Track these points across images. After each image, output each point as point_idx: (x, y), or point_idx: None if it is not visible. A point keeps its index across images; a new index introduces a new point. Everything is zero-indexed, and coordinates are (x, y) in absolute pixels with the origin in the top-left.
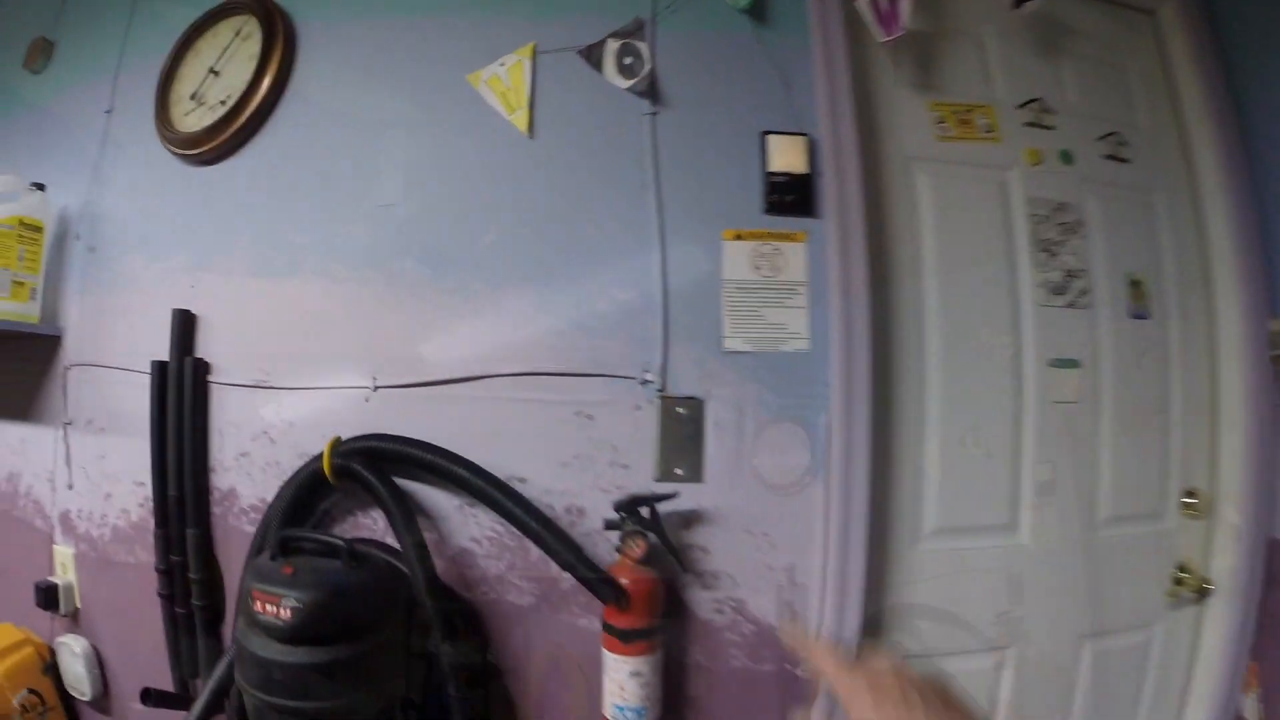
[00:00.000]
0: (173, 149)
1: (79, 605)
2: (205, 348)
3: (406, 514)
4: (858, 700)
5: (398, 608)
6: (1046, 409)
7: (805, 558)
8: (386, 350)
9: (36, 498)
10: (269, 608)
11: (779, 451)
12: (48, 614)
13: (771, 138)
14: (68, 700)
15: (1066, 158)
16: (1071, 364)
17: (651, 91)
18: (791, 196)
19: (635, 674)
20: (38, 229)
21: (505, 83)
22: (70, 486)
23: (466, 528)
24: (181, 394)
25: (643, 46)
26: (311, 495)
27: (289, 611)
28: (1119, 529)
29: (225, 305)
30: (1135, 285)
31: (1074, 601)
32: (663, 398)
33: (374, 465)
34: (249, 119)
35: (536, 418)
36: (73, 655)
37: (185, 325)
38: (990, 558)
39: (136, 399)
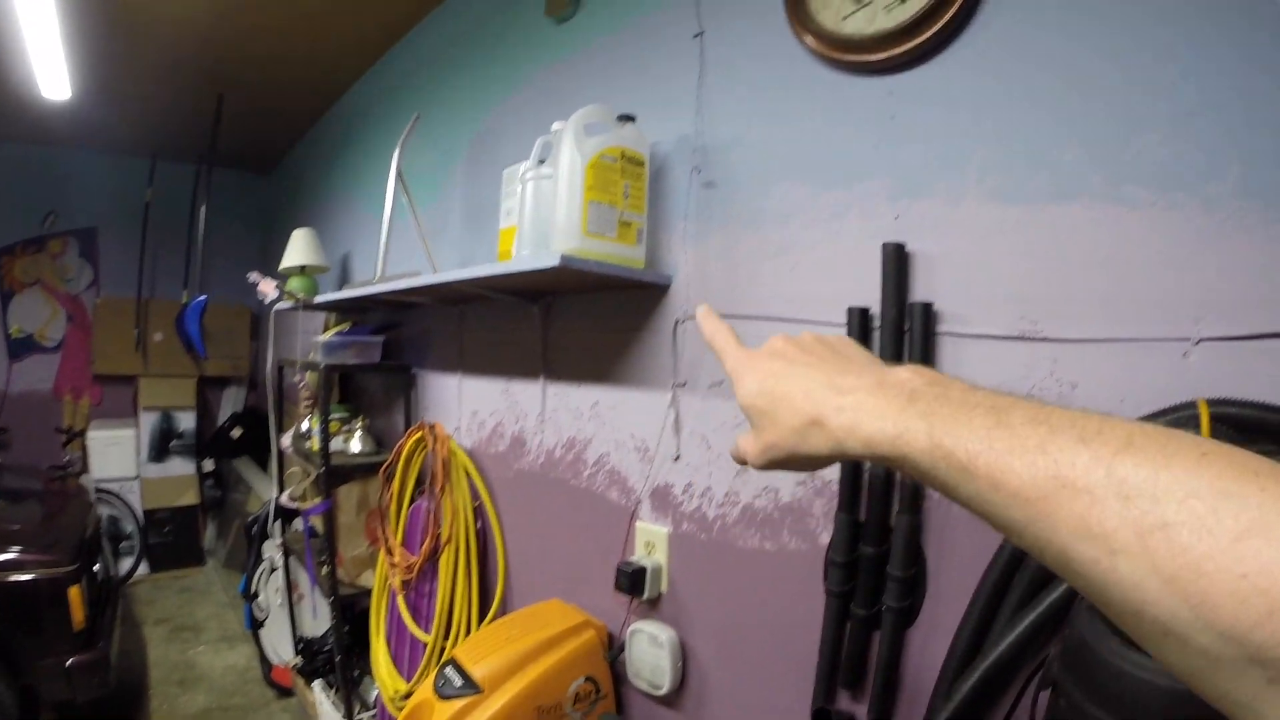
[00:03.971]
0: (830, 58)
1: (664, 590)
2: (928, 291)
3: None
4: (740, 366)
5: None
6: None
7: None
8: (1209, 293)
9: (614, 468)
10: None
11: None
12: (620, 596)
13: None
14: (617, 689)
15: None
16: None
17: None
18: None
19: None
20: (640, 163)
21: None
22: (677, 458)
23: None
24: (902, 346)
25: None
26: None
27: None
28: None
29: (955, 240)
30: None
31: None
32: None
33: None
34: (952, 17)
35: None
36: (654, 645)
37: (901, 263)
38: None
39: None
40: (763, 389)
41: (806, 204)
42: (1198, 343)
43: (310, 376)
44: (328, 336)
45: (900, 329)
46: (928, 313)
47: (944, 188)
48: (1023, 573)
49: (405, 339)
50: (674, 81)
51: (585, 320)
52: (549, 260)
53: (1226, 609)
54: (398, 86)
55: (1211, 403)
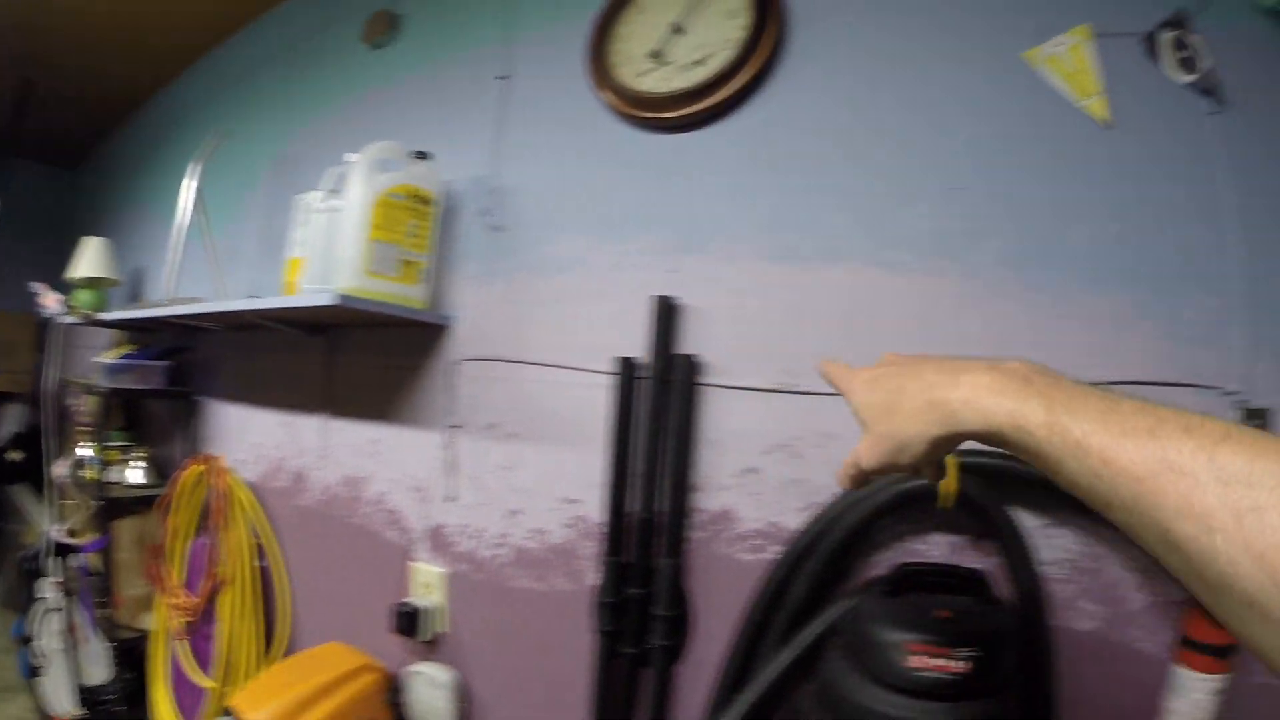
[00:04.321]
0: (623, 114)
1: (443, 631)
2: (695, 344)
3: (1028, 547)
4: (855, 383)
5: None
6: None
7: None
8: (962, 353)
9: (393, 507)
10: (936, 661)
11: None
12: (397, 638)
13: None
14: None
15: None
16: None
17: (1211, 89)
18: None
19: (1217, 692)
20: (429, 202)
21: (1068, 64)
22: (453, 499)
23: (1047, 549)
24: (663, 398)
25: (1195, 39)
26: (878, 519)
27: (964, 664)
28: None
29: (723, 295)
30: None
31: None
32: (1246, 410)
33: (988, 488)
34: (745, 84)
35: None
36: (433, 686)
37: (669, 316)
38: None
39: (567, 402)
40: (878, 386)
41: (588, 254)
42: None
43: (90, 400)
44: (111, 357)
45: (665, 380)
46: (690, 364)
47: (719, 245)
48: (780, 611)
49: (193, 365)
50: (475, 122)
51: (368, 356)
52: (327, 298)
53: None
54: (212, 94)
55: (961, 453)
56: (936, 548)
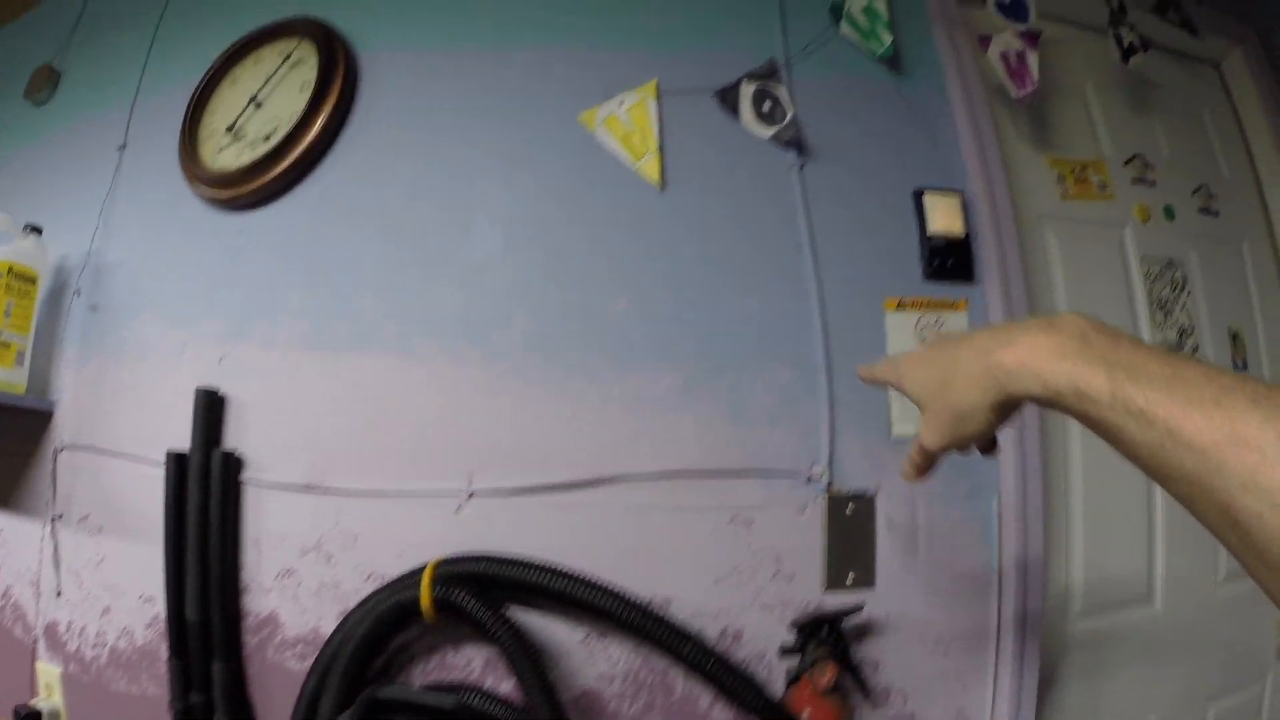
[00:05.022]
0: (202, 191)
1: None
2: (238, 437)
3: (532, 657)
4: (903, 366)
5: None
6: None
7: (977, 658)
8: (485, 446)
9: (18, 602)
10: None
11: (951, 546)
12: None
13: (927, 197)
14: None
15: (1169, 213)
16: None
17: (796, 142)
18: (952, 260)
19: None
20: (31, 280)
21: (627, 124)
22: (59, 594)
23: (593, 664)
24: (206, 495)
25: (781, 91)
26: (391, 630)
27: None
28: (1234, 586)
29: (265, 385)
30: (1235, 338)
31: (1200, 665)
32: (831, 496)
33: (483, 594)
34: (300, 155)
35: (682, 527)
36: None
37: (212, 409)
38: (1129, 631)
39: (146, 495)
40: (930, 362)
41: (158, 339)
42: (470, 496)
43: None
44: None
45: (207, 476)
46: (228, 461)
47: (261, 331)
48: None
49: None
50: (93, 192)
51: None
52: None
53: None
54: None
55: (444, 561)
56: (473, 661)
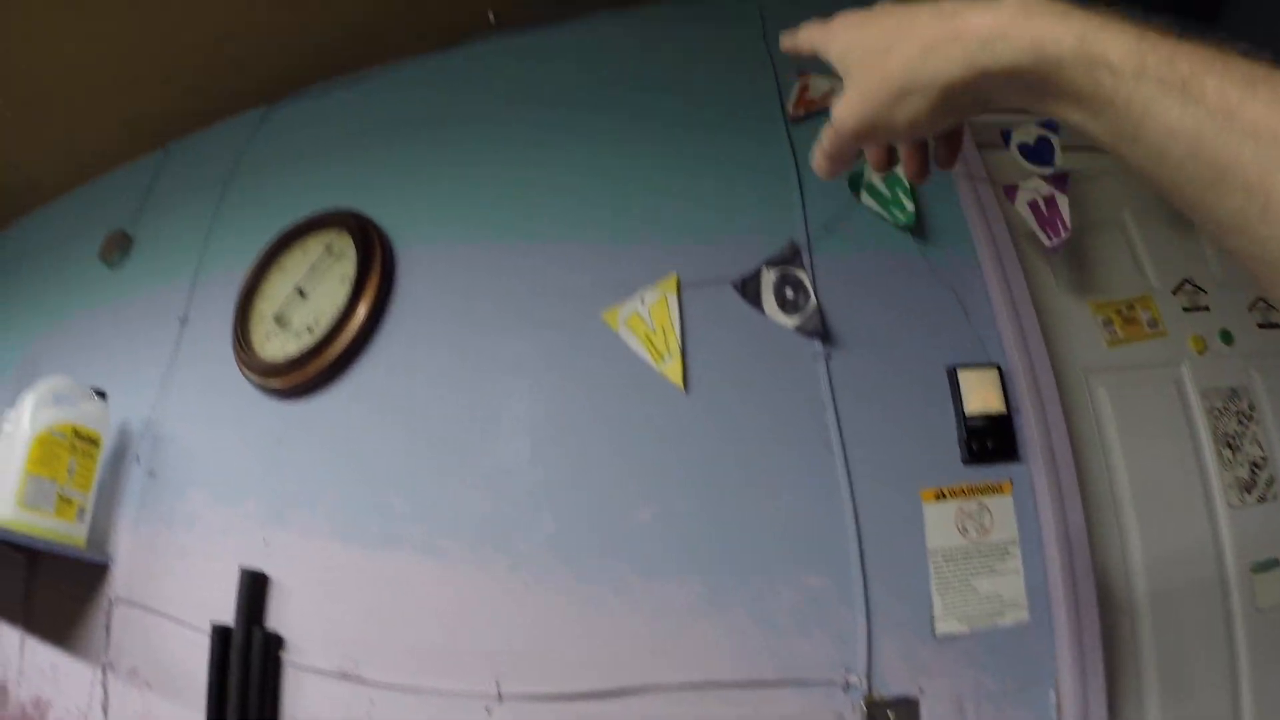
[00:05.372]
0: (251, 376)
1: None
2: (279, 618)
3: None
4: (836, 25)
5: None
6: (1253, 619)
7: None
8: (514, 651)
9: None
10: None
11: None
12: None
13: (962, 374)
14: None
15: (1227, 338)
16: (1273, 565)
17: (820, 331)
18: (992, 440)
19: None
20: (94, 442)
21: (649, 324)
22: None
23: None
24: (248, 670)
25: (803, 275)
26: None
27: None
28: None
29: (305, 571)
30: None
31: None
32: (869, 703)
33: None
34: (341, 354)
35: None
36: None
37: (256, 588)
38: None
39: (191, 658)
40: (871, 23)
41: (207, 513)
42: (501, 699)
43: None
44: None
45: (249, 653)
46: (270, 640)
47: (302, 520)
48: None
49: None
50: (156, 361)
51: (59, 579)
52: None
53: None
54: None
55: None
56: None
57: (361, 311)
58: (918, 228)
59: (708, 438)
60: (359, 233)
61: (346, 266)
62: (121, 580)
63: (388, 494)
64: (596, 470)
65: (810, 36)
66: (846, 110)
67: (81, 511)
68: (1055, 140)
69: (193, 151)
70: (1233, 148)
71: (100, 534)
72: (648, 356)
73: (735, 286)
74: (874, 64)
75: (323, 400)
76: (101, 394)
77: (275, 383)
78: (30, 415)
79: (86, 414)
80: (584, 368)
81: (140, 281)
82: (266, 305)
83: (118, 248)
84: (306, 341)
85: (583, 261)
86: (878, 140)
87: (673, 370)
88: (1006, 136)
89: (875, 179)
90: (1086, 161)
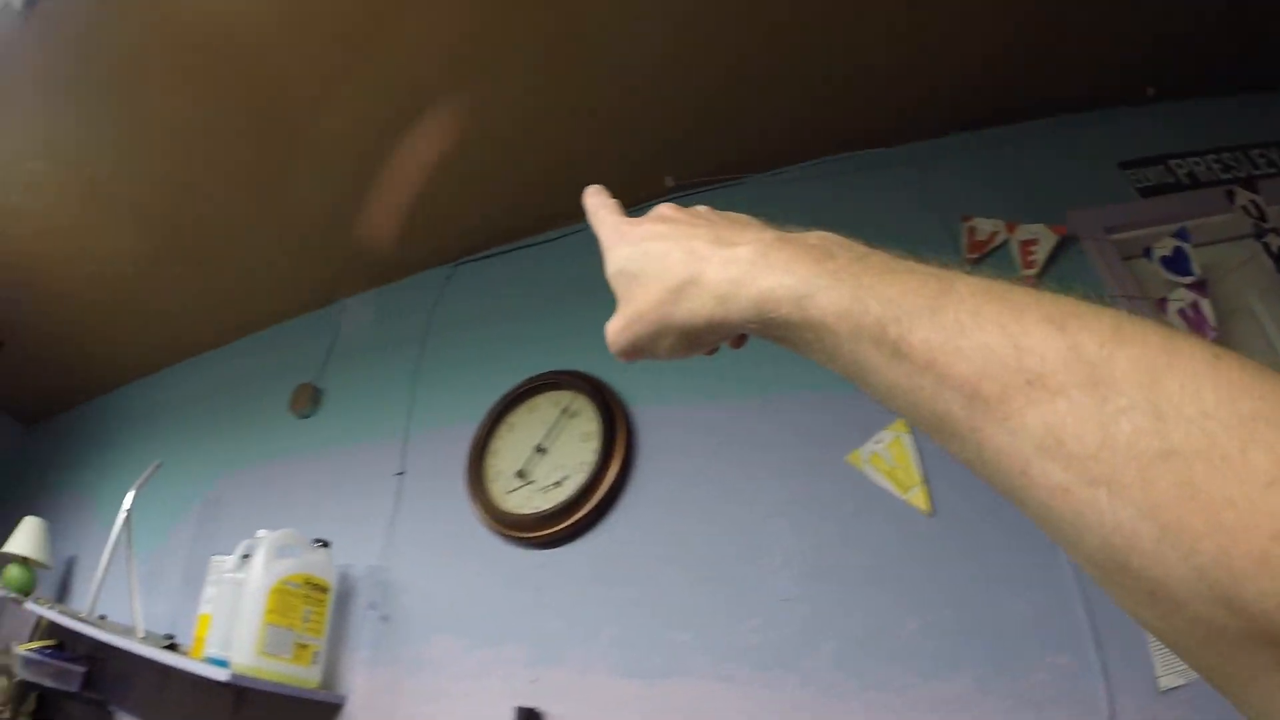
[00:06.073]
0: (494, 527)
1: None
2: None
3: None
4: (624, 229)
5: None
6: None
7: None
8: None
9: None
10: None
11: None
12: None
13: None
14: None
15: None
16: None
17: None
18: None
19: None
20: (324, 589)
21: (889, 461)
22: None
23: None
24: None
25: None
26: None
27: None
28: None
29: (581, 704)
30: None
31: None
32: None
33: None
34: (595, 506)
35: None
36: None
37: None
38: None
39: None
40: (636, 251)
41: (459, 657)
42: None
43: (3, 681)
44: (30, 648)
45: None
46: None
47: (576, 658)
48: None
49: (111, 674)
50: (374, 512)
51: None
52: (224, 676)
53: (1250, 579)
54: (159, 408)
55: None
56: None
57: (615, 467)
58: None
59: (955, 554)
60: (595, 394)
61: (584, 424)
62: (358, 718)
63: (668, 631)
64: (859, 591)
65: (602, 221)
66: (614, 335)
67: (316, 655)
68: (1189, 250)
69: (373, 307)
70: (940, 401)
71: (330, 673)
72: (892, 488)
73: None
74: (636, 296)
75: (580, 547)
76: (324, 544)
77: (526, 535)
78: (261, 568)
79: (314, 564)
80: (837, 503)
81: (340, 434)
82: (502, 462)
83: (309, 400)
84: (556, 496)
85: (822, 413)
86: (647, 359)
87: (918, 499)
88: (1148, 253)
89: None
90: (1209, 256)
